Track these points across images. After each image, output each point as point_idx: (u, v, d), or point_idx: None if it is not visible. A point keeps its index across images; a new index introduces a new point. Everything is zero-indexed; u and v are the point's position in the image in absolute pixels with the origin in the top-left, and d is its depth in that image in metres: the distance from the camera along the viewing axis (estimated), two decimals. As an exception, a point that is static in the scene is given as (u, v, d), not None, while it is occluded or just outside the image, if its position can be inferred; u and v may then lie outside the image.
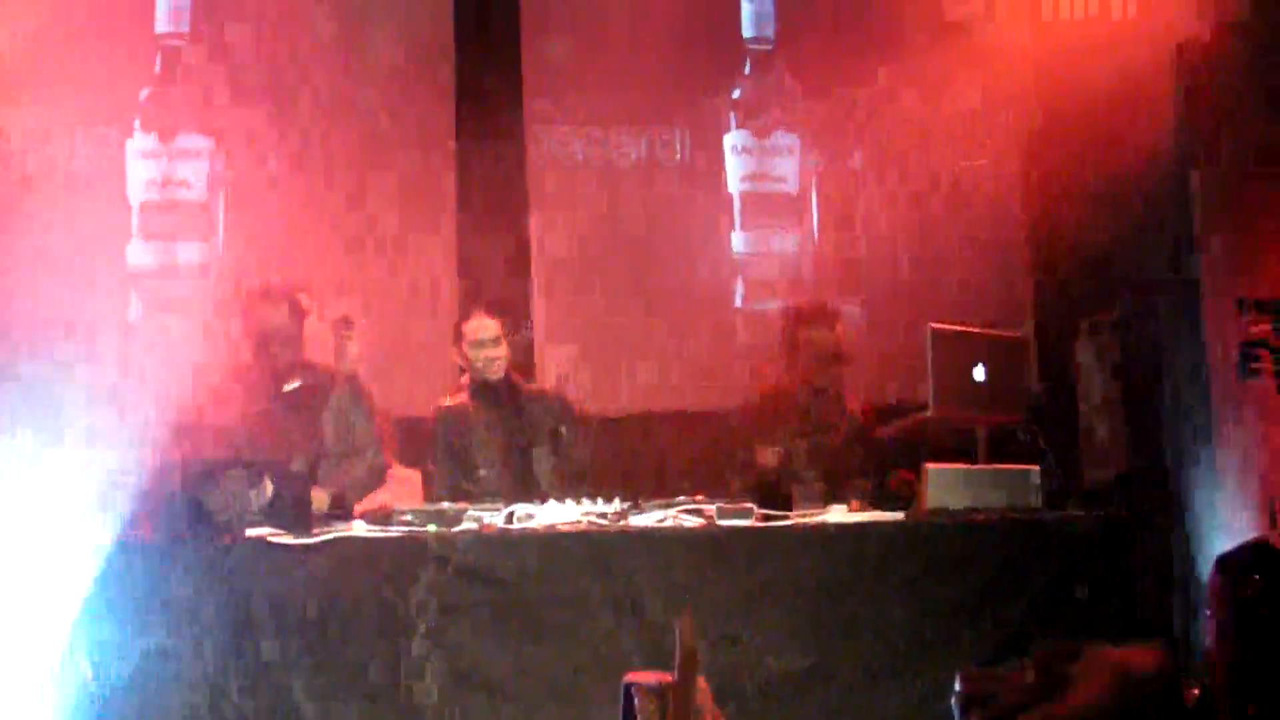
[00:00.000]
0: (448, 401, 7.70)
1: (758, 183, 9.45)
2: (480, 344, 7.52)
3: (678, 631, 4.52)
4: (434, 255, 9.63)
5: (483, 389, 7.57)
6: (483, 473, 7.48)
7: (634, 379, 9.34)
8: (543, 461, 7.51)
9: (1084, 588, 6.22)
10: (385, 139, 9.47)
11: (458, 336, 7.64)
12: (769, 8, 9.47)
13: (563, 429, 7.58)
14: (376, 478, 7.31)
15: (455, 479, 7.49)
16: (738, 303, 9.43)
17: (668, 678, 4.20)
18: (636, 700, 4.07)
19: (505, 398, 7.60)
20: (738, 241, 9.45)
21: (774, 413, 7.68)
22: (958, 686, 1.72)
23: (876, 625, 6.21)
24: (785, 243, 9.48)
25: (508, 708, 6.02)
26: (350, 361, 7.50)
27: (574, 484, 7.33)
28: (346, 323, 7.66)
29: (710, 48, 9.49)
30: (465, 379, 7.69)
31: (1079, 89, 8.20)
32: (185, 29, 9.03)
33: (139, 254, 8.91)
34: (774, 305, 9.06)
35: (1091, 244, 8.51)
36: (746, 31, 9.53)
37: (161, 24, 9.05)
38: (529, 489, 7.27)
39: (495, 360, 7.52)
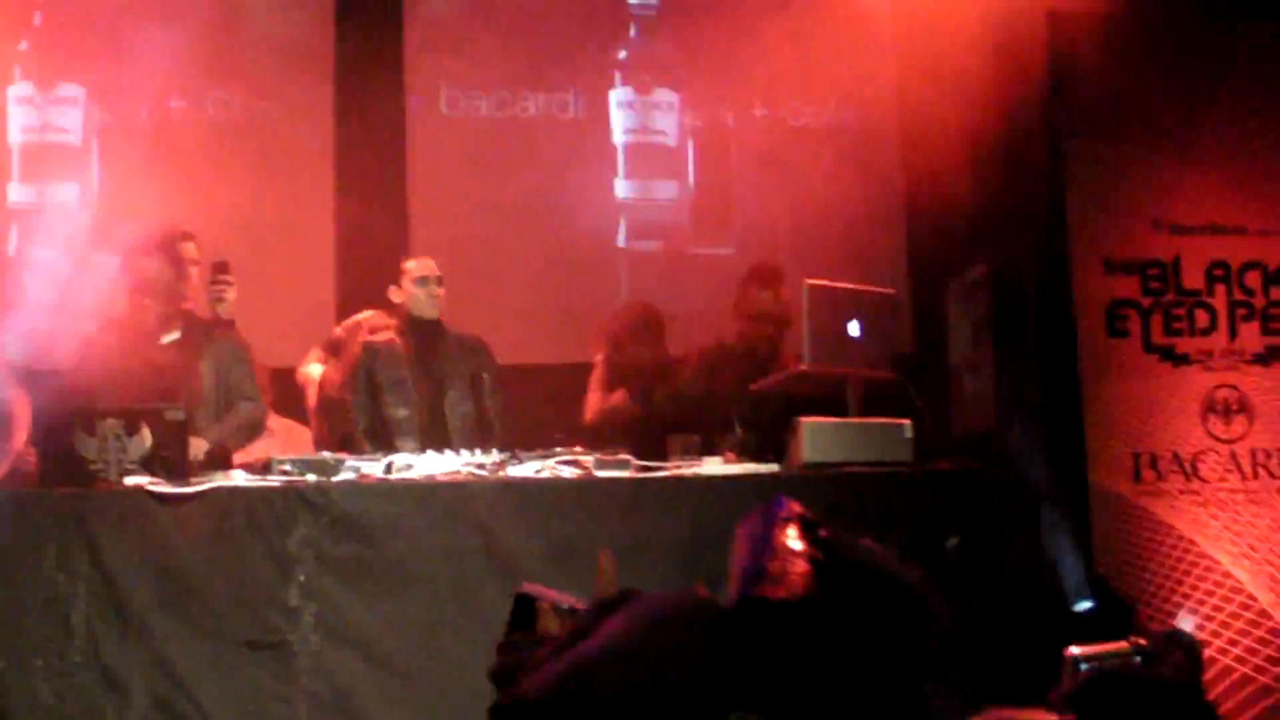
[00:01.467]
0: (376, 338, 7.77)
1: (640, 135, 9.95)
2: (425, 280, 7.66)
3: (601, 565, 4.57)
4: (311, 205, 9.73)
5: (415, 325, 7.66)
6: (401, 413, 7.54)
7: (525, 328, 9.58)
8: (456, 405, 7.58)
9: (954, 541, 6.30)
10: (266, 89, 9.61)
11: (400, 274, 7.80)
12: None
13: (484, 375, 7.66)
14: (256, 429, 7.32)
15: (372, 415, 7.55)
16: (620, 243, 9.90)
17: (576, 602, 3.96)
18: (540, 617, 4.04)
19: (433, 337, 7.68)
20: (621, 188, 9.91)
21: (703, 366, 7.82)
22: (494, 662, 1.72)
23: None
24: (665, 190, 9.97)
25: (377, 660, 6.04)
26: (227, 307, 7.54)
27: (486, 431, 7.43)
28: (222, 268, 7.68)
29: (594, 13, 10.06)
30: (390, 319, 7.82)
31: (950, 49, 8.29)
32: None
33: (18, 193, 9.22)
34: (653, 246, 9.73)
35: (963, 203, 8.64)
36: None
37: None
38: (441, 433, 7.37)
39: (436, 298, 7.62)
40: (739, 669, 1.45)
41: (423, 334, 7.73)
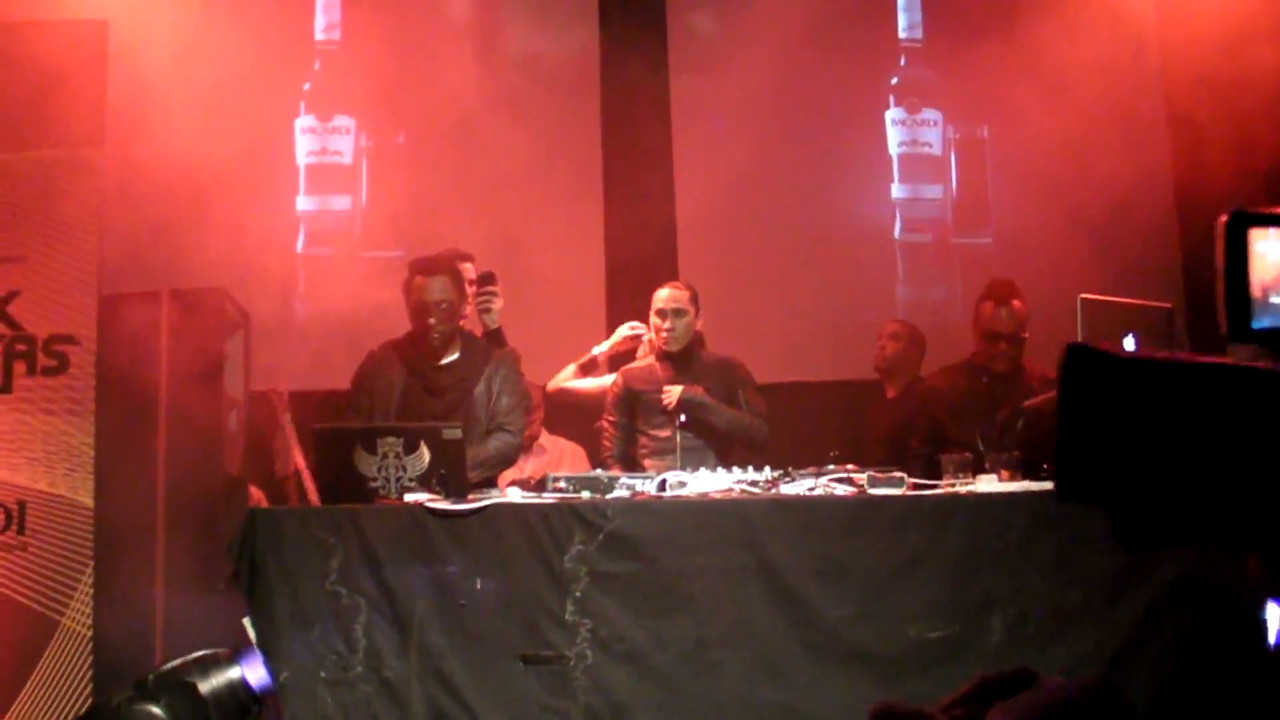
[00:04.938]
0: (635, 364, 8.10)
1: (910, 147, 10.94)
2: (663, 314, 7.83)
3: None
4: (581, 225, 10.00)
5: (665, 356, 7.85)
6: (662, 434, 7.66)
7: (795, 345, 9.99)
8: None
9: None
10: (534, 111, 10.04)
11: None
12: (918, 17, 11.15)
13: (740, 391, 7.75)
14: (505, 464, 7.41)
15: (629, 438, 7.81)
16: (897, 235, 10.84)
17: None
18: None
19: (685, 361, 7.88)
20: (897, 190, 10.92)
21: (951, 386, 7.83)
22: None
23: (1021, 596, 6.18)
24: (932, 192, 10.87)
25: (650, 675, 6.07)
26: (493, 317, 7.69)
27: (756, 447, 7.51)
28: (489, 279, 7.82)
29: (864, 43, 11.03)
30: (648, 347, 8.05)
31: (1222, 54, 8.12)
32: (337, 37, 10.67)
33: (304, 202, 10.48)
34: (926, 238, 10.71)
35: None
36: (902, 33, 11.11)
37: (319, 33, 10.71)
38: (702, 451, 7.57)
39: (671, 331, 7.76)
40: None
41: (672, 362, 7.84)
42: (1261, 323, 1.24)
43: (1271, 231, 1.27)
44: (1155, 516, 1.15)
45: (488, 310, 7.89)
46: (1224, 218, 1.24)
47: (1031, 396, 7.73)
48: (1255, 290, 1.26)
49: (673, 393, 7.67)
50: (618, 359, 8.47)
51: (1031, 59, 9.84)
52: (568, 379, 8.50)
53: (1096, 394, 1.17)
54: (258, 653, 5.91)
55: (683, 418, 7.63)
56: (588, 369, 8.53)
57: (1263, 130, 7.83)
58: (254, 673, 5.86)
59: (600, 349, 8.53)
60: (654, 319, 7.84)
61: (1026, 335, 7.91)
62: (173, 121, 8.38)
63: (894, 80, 11.02)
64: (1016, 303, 7.88)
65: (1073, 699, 1.48)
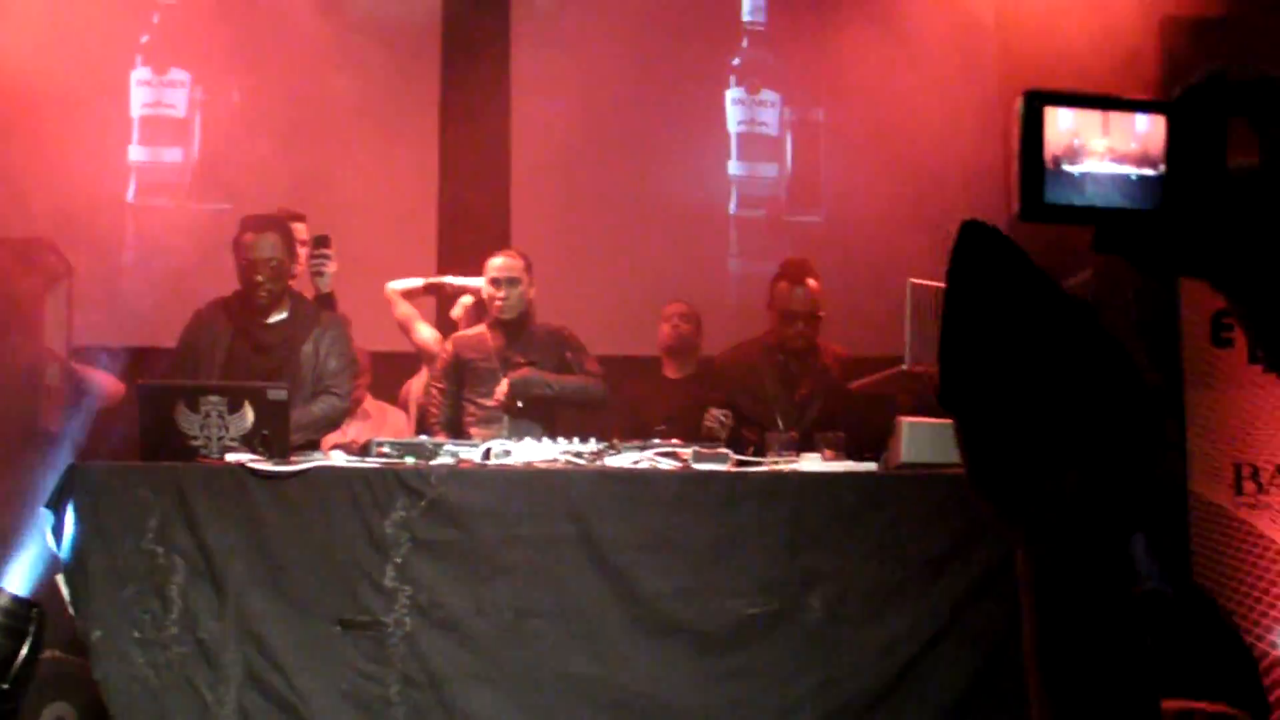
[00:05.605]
0: (468, 331, 8.02)
1: (749, 126, 11.05)
2: (497, 282, 7.74)
3: None
4: (415, 190, 9.95)
5: (498, 324, 7.73)
6: (490, 403, 7.61)
7: (625, 318, 9.82)
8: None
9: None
10: (372, 74, 9.99)
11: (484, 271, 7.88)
12: (762, 1, 11.22)
13: (569, 355, 7.72)
14: (331, 426, 7.35)
15: (457, 407, 7.67)
16: (732, 210, 10.99)
17: None
18: None
19: (517, 329, 7.81)
20: (733, 167, 11.04)
21: (748, 365, 7.84)
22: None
23: (842, 574, 6.24)
24: (768, 170, 11.06)
25: (469, 644, 6.05)
26: (326, 281, 7.60)
27: (596, 406, 7.51)
28: (323, 242, 7.73)
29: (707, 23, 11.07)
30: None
31: (1058, 56, 8.22)
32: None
33: (136, 153, 10.40)
34: (760, 214, 10.88)
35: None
36: (745, 16, 11.20)
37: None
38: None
39: (504, 300, 7.70)
40: None
41: (504, 330, 7.78)
42: (1053, 196, 1.26)
43: (1065, 110, 1.29)
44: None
45: (320, 274, 7.80)
46: (1019, 97, 1.26)
47: (826, 376, 7.80)
48: (1048, 163, 1.28)
49: (500, 389, 7.59)
50: (454, 325, 8.41)
51: (870, 44, 9.91)
52: (408, 288, 8.42)
53: (988, 284, 1.17)
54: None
55: (520, 405, 7.58)
56: (434, 290, 8.48)
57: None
58: (17, 583, 5.80)
59: (463, 283, 8.40)
60: (487, 287, 7.77)
61: (822, 314, 7.96)
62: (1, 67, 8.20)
63: (735, 61, 11.10)
64: (811, 282, 7.91)
65: None
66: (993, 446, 1.16)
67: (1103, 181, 1.28)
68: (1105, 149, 1.29)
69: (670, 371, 8.69)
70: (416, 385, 8.50)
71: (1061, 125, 1.28)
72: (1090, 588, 1.17)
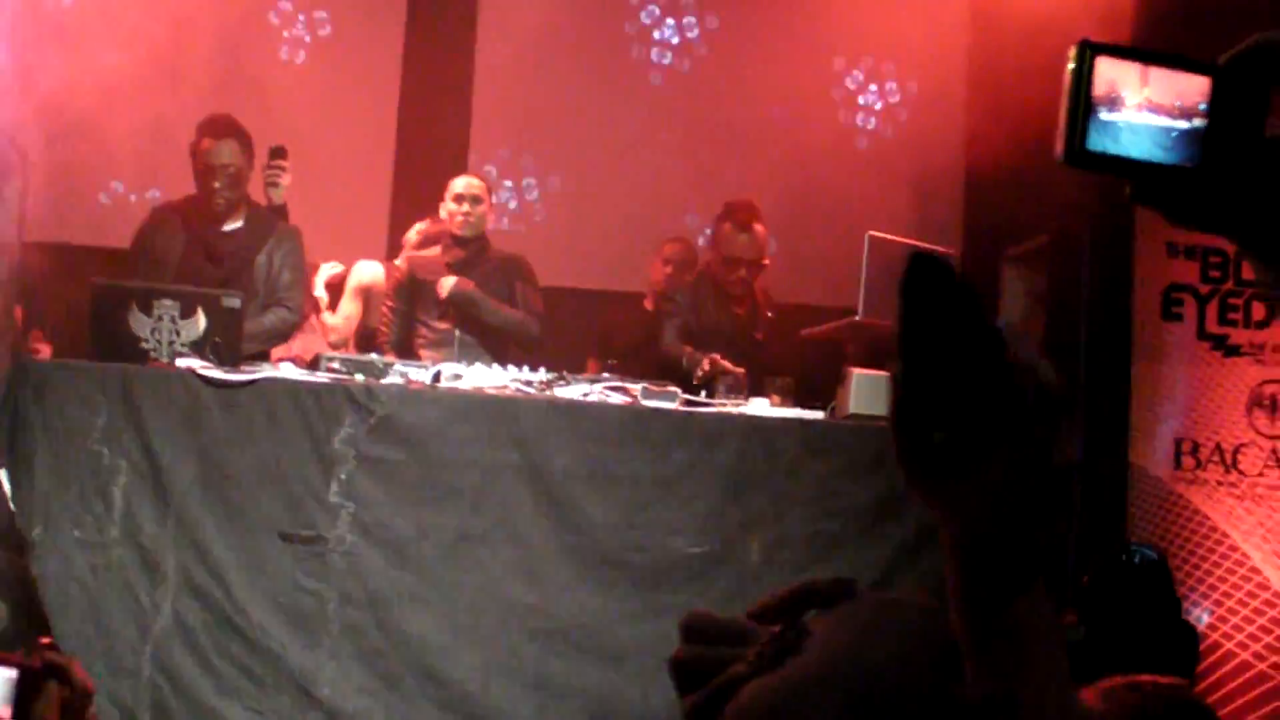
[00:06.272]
0: (421, 251, 7.97)
1: None
2: (460, 199, 7.68)
3: None
4: (375, 106, 9.86)
5: (455, 240, 7.69)
6: (440, 325, 7.59)
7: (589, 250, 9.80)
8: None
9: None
10: None
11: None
12: None
13: (518, 286, 7.69)
14: (281, 338, 7.35)
15: (408, 327, 7.65)
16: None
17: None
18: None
19: (474, 253, 7.72)
20: None
21: (690, 305, 7.77)
22: (675, 655, 1.55)
23: (781, 521, 6.29)
24: None
25: (409, 565, 6.08)
26: (280, 192, 7.55)
27: (526, 345, 7.48)
28: (279, 153, 7.67)
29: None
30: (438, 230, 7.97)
31: (1025, 15, 8.23)
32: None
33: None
34: None
35: (1026, 172, 8.59)
36: None
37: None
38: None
39: (469, 216, 7.64)
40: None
41: (463, 249, 7.73)
42: (1095, 144, 1.31)
43: (1114, 60, 1.33)
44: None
45: (275, 185, 7.71)
46: (1074, 46, 1.31)
47: (760, 321, 7.76)
48: (1092, 110, 1.33)
49: (445, 284, 7.56)
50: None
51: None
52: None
53: (933, 316, 1.22)
54: None
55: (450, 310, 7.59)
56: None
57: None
58: None
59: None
60: (450, 205, 7.72)
61: (767, 262, 7.85)
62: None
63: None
64: (758, 227, 7.74)
65: (896, 614, 1.50)
66: (926, 442, 1.26)
67: (1140, 132, 1.32)
68: (1144, 99, 1.32)
69: (650, 304, 8.69)
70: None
71: (1103, 74, 1.31)
72: (1001, 567, 1.28)
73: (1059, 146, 1.31)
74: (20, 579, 6.06)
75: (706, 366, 7.04)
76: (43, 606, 5.80)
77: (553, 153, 10.20)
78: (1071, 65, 1.29)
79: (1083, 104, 1.29)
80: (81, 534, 5.85)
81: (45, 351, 7.57)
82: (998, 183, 8.96)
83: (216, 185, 7.04)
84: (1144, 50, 1.31)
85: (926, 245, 7.47)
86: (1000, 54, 8.63)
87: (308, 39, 10.00)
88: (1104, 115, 1.29)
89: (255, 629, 5.91)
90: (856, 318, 7.06)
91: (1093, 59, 1.28)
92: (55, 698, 2.49)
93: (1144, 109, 1.30)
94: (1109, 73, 1.29)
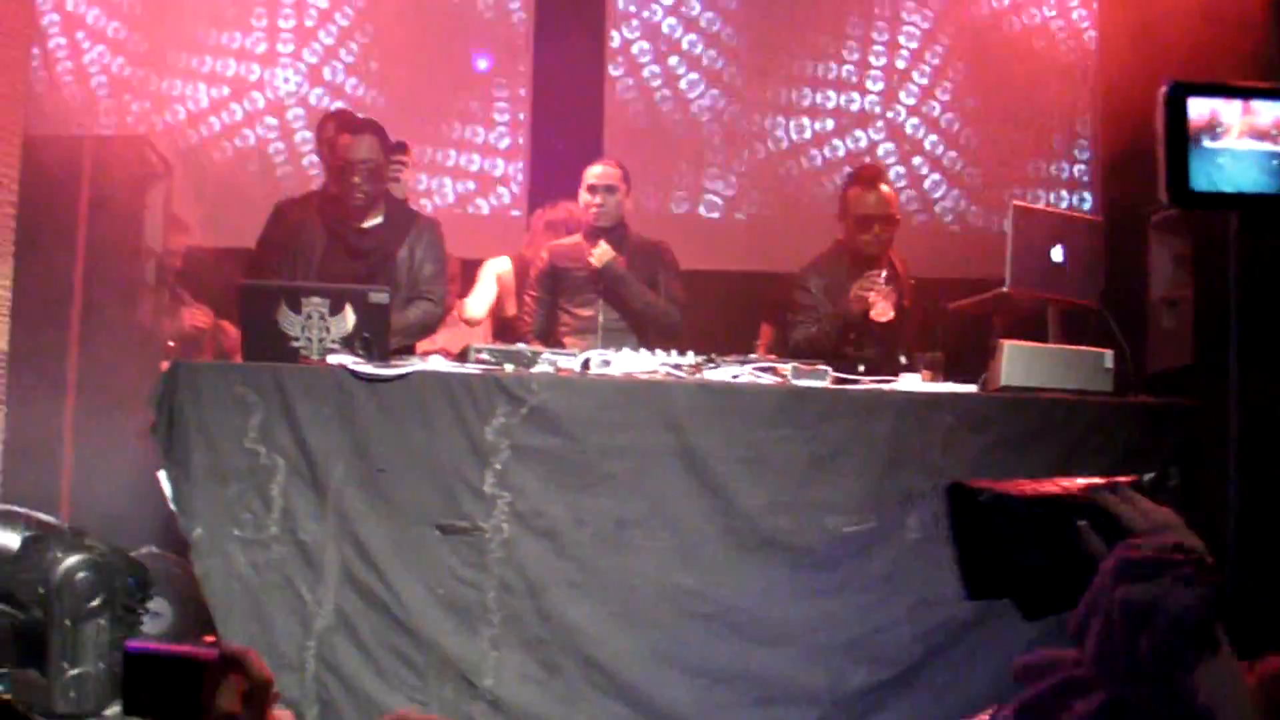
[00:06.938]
0: (563, 240, 7.96)
1: None
2: (594, 189, 7.69)
3: None
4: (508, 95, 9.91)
5: (594, 230, 7.68)
6: (585, 313, 7.60)
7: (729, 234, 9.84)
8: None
9: (1176, 472, 6.16)
10: None
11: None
12: None
13: (661, 276, 7.67)
14: (426, 331, 7.41)
15: (552, 316, 7.73)
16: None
17: None
18: None
19: (614, 242, 7.72)
20: None
21: (829, 273, 7.69)
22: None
23: (939, 496, 6.21)
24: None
25: (565, 553, 6.07)
26: (400, 188, 7.58)
27: (667, 333, 7.44)
28: (400, 148, 7.70)
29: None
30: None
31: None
32: None
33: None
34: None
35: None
36: None
37: None
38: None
39: (603, 206, 7.66)
40: None
41: (604, 235, 7.74)
42: (1199, 183, 1.30)
43: (1207, 99, 1.31)
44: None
45: (395, 180, 7.74)
46: (1164, 88, 1.29)
47: (899, 282, 7.65)
48: (1190, 142, 1.31)
49: (599, 253, 7.58)
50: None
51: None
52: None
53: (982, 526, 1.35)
54: None
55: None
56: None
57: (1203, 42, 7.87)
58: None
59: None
60: (584, 195, 7.75)
61: (899, 218, 7.80)
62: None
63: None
64: (884, 187, 7.72)
65: None
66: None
67: (1245, 159, 1.31)
68: (1246, 126, 1.31)
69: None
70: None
71: (1198, 109, 1.30)
72: None
73: (1163, 189, 1.30)
74: (182, 579, 6.15)
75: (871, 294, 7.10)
76: (206, 606, 5.87)
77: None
78: (1164, 108, 1.27)
79: (1181, 146, 1.27)
80: (241, 532, 5.89)
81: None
82: (1138, 144, 8.84)
83: (356, 180, 7.08)
84: (1235, 86, 1.28)
85: (1077, 214, 7.39)
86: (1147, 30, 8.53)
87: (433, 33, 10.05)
88: (1206, 143, 1.27)
89: (416, 621, 5.93)
90: (1003, 289, 6.97)
91: (1184, 100, 1.26)
92: (237, 689, 2.50)
93: (1246, 135, 1.27)
94: (1204, 107, 1.27)
